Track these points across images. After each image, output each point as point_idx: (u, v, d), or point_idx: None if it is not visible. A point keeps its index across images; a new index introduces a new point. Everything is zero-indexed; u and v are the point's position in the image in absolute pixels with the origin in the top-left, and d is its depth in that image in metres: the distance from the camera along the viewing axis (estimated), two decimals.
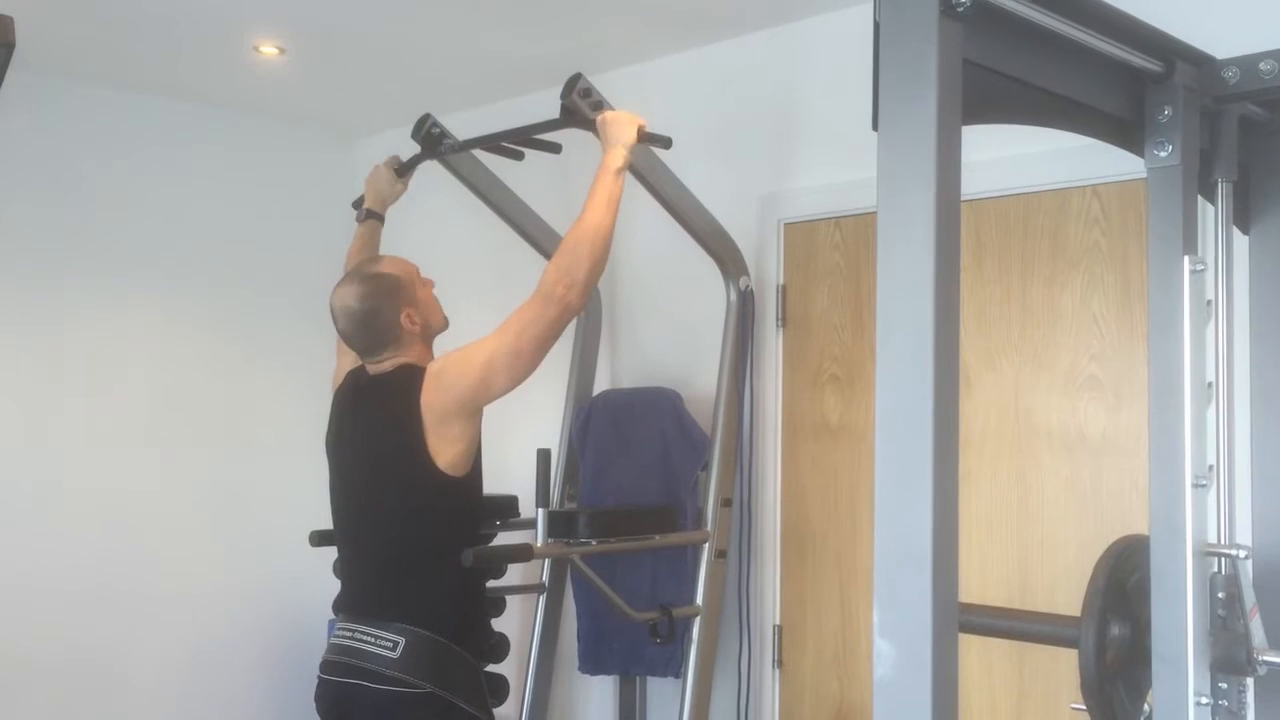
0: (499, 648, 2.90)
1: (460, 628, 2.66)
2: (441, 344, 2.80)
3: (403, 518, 2.65)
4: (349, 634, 2.67)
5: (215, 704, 4.26)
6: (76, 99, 4.01)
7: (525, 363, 2.56)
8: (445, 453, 2.59)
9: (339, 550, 2.84)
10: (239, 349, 4.38)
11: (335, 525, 2.84)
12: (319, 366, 4.59)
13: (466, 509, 2.70)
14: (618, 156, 2.65)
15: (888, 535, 1.12)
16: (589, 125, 2.76)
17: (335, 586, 4.00)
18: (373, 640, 2.61)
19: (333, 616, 2.83)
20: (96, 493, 4.01)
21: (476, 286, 4.10)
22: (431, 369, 2.63)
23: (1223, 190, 1.69)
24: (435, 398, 2.58)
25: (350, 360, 2.88)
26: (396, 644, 2.58)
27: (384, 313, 2.69)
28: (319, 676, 2.72)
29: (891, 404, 1.15)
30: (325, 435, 2.88)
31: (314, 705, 2.75)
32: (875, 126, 1.22)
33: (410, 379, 2.63)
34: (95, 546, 4.00)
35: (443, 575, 2.64)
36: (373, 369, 2.76)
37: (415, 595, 2.64)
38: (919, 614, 1.07)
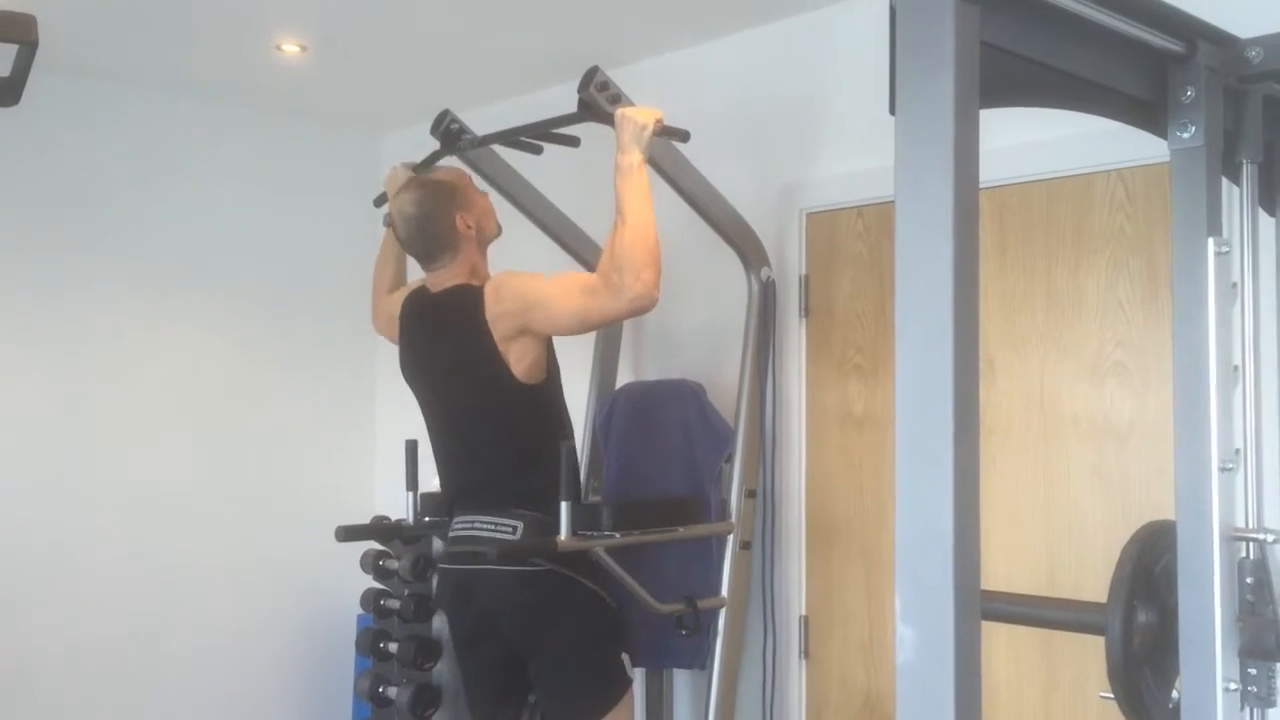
0: None
1: None
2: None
3: (496, 421, 2.81)
4: (468, 525, 2.81)
5: (241, 694, 4.29)
6: (98, 99, 4.03)
7: (561, 328, 2.72)
8: (518, 364, 2.73)
9: (440, 458, 2.97)
10: (266, 342, 4.40)
11: (433, 436, 2.98)
12: (346, 357, 4.64)
13: (552, 408, 2.84)
14: (633, 155, 2.65)
15: (908, 520, 1.11)
16: (607, 119, 2.75)
17: (360, 581, 4.04)
18: (493, 527, 2.76)
19: (434, 518, 3.09)
20: (127, 487, 4.05)
21: None
22: (488, 287, 2.76)
23: (1247, 171, 1.67)
24: (495, 314, 2.71)
25: (390, 302, 3.03)
26: (515, 528, 2.73)
27: (440, 217, 2.82)
28: (440, 567, 2.92)
29: (911, 389, 1.14)
30: (400, 360, 3.01)
31: (438, 598, 3.01)
32: (892, 110, 1.21)
33: (469, 296, 2.76)
34: (126, 539, 4.04)
35: (545, 468, 2.74)
36: (433, 287, 2.88)
37: (525, 486, 2.77)
38: (940, 599, 1.07)
